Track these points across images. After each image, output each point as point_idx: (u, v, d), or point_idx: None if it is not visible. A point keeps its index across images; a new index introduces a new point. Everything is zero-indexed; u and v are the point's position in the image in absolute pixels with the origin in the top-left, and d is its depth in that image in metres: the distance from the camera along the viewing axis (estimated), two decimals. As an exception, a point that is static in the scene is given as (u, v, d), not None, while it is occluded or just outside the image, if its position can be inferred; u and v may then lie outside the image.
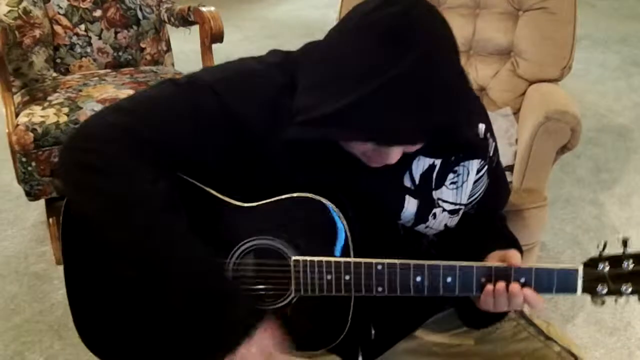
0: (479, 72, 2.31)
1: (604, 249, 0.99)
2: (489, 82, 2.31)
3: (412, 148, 0.97)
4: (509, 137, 2.08)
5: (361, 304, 1.04)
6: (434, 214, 1.11)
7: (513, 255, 1.01)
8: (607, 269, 0.98)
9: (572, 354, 1.09)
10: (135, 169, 0.93)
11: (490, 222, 1.20)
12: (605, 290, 0.98)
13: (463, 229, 1.16)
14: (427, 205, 1.10)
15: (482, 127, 1.11)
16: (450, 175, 1.10)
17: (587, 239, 2.57)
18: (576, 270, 0.99)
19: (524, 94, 2.21)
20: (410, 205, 1.09)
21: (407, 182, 1.08)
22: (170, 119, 0.97)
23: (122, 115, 0.97)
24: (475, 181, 1.13)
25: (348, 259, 1.01)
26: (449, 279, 1.00)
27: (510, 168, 1.95)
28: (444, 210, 1.11)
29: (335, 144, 0.98)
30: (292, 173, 1.01)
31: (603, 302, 1.00)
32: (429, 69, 0.86)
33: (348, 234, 1.01)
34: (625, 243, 0.98)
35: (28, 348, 1.99)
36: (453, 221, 1.14)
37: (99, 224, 0.94)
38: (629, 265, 0.97)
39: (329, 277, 1.01)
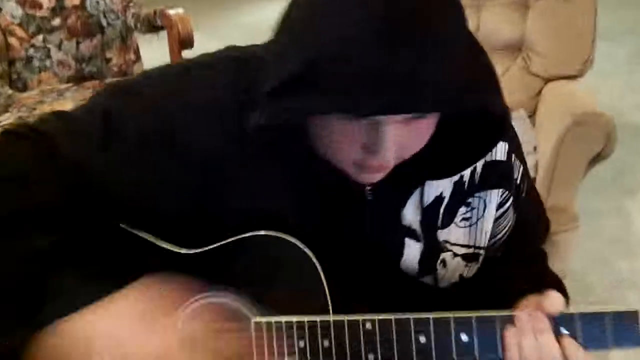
0: (486, 71, 2.17)
1: None
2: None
3: (408, 142, 0.75)
4: (525, 143, 1.89)
5: None
6: (443, 261, 0.92)
7: (550, 297, 0.82)
8: None
9: None
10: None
11: (524, 265, 1.00)
12: None
13: (487, 277, 0.96)
14: (432, 250, 0.91)
15: (503, 146, 0.91)
16: (462, 210, 0.91)
17: (615, 254, 2.40)
18: (637, 312, 0.81)
19: (539, 93, 2.13)
20: (412, 251, 0.90)
21: (407, 221, 0.89)
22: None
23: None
24: (497, 218, 0.94)
25: (326, 317, 0.82)
26: (463, 337, 0.81)
27: (530, 181, 1.79)
28: (455, 255, 0.92)
29: (317, 169, 0.81)
30: (252, 206, 0.84)
31: None
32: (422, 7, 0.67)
33: (324, 283, 0.83)
34: None
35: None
36: (471, 270, 0.94)
37: None
38: None
39: (301, 344, 0.83)
